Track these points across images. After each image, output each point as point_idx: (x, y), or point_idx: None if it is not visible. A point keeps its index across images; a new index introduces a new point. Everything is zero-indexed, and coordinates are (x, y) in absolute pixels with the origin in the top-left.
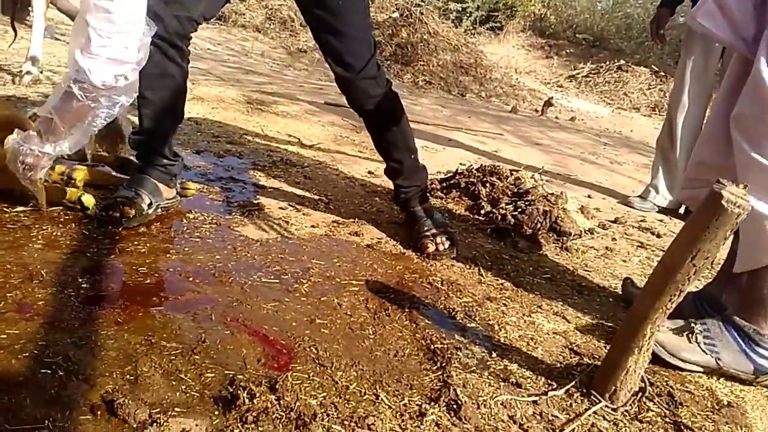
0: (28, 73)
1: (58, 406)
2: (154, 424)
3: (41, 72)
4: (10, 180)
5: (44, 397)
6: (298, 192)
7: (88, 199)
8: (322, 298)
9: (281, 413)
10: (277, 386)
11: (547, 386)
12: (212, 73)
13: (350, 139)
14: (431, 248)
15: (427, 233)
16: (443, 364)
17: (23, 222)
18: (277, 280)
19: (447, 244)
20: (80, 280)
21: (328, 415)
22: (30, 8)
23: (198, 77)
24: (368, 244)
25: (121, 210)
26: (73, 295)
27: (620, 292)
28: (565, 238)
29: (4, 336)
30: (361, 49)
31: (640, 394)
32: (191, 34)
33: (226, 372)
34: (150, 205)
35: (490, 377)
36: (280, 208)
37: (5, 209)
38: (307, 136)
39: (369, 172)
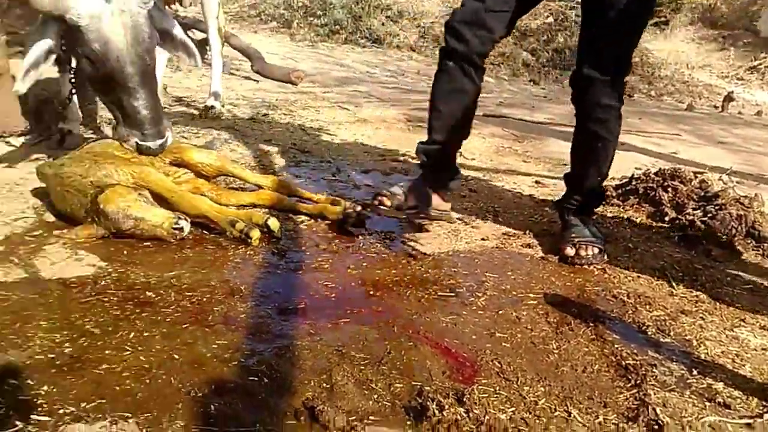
0: (212, 107)
1: (266, 411)
2: (353, 431)
3: (222, 106)
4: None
5: (253, 402)
6: (465, 205)
7: (274, 223)
8: (500, 312)
9: (471, 426)
10: (464, 399)
11: (761, 407)
12: (373, 95)
13: (513, 150)
14: (569, 252)
15: (572, 238)
16: (638, 382)
17: (221, 244)
18: (453, 294)
19: (591, 252)
20: (274, 294)
21: (519, 430)
22: (207, 47)
23: (360, 100)
24: (542, 256)
25: (379, 199)
26: (270, 308)
27: None
28: (766, 245)
29: (215, 346)
30: (622, 58)
31: None
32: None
33: (413, 383)
34: (415, 207)
35: (692, 396)
36: (448, 221)
37: (205, 234)
38: (468, 149)
39: (536, 182)
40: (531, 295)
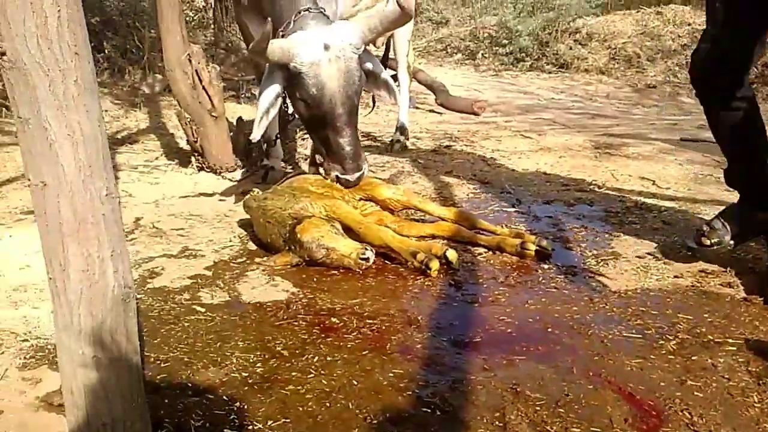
0: (398, 141)
1: None
2: None
3: (407, 139)
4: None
5: None
6: (657, 239)
7: (452, 254)
8: (693, 357)
9: None
10: None
11: None
12: (557, 122)
13: (714, 177)
14: None
15: None
16: None
17: (401, 274)
18: (640, 335)
19: None
20: (450, 326)
21: None
22: (397, 83)
23: (544, 127)
24: (744, 297)
25: (699, 238)
26: (445, 340)
27: None
28: None
29: (392, 375)
30: None
31: None
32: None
33: (591, 429)
34: (733, 239)
35: None
36: (637, 256)
37: (387, 263)
38: (662, 177)
39: None
40: (730, 340)
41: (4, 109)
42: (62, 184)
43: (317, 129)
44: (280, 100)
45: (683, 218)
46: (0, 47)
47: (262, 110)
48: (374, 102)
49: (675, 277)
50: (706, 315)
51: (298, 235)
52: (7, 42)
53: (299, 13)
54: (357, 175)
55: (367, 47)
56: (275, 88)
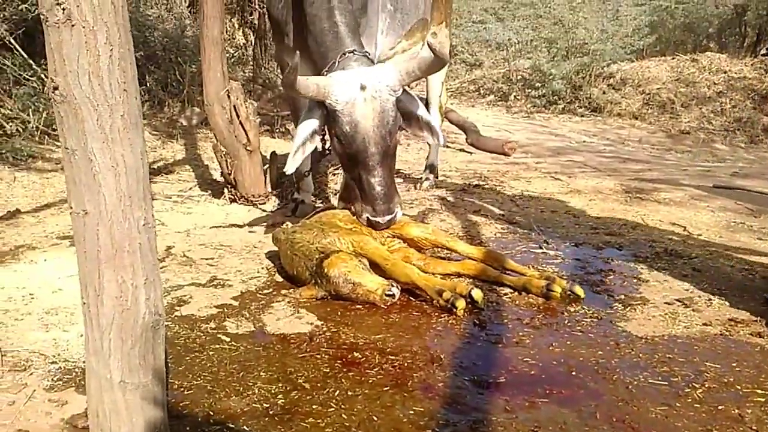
0: (427, 179)
1: None
2: None
3: (436, 177)
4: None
5: None
6: (686, 286)
7: (477, 293)
8: (720, 407)
9: None
10: None
11: None
12: (588, 165)
13: (746, 225)
14: None
15: None
16: None
17: (426, 311)
18: (666, 382)
19: None
20: (473, 365)
21: None
22: None
23: (574, 170)
24: None
25: None
26: (467, 379)
27: None
28: None
29: (412, 412)
30: None
31: None
32: None
33: None
34: None
35: None
36: (665, 303)
37: (411, 300)
38: (693, 223)
39: None
40: (758, 391)
41: (46, 137)
42: (103, 213)
43: (351, 168)
44: (317, 136)
45: (714, 266)
46: (53, 82)
47: (298, 144)
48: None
49: (704, 324)
50: (734, 364)
51: (326, 269)
52: (60, 77)
53: (344, 54)
54: (388, 218)
55: (408, 89)
56: (312, 124)
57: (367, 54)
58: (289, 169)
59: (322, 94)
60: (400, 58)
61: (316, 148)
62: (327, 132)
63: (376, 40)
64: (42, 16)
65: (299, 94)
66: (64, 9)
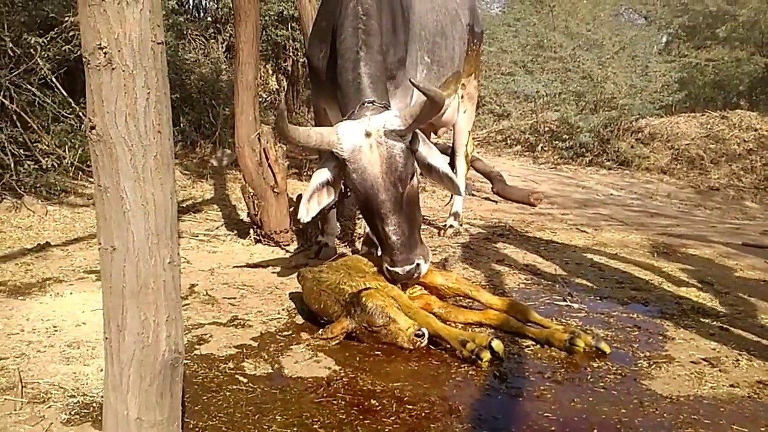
0: (450, 226)
1: None
2: None
3: (461, 225)
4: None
5: None
6: (713, 345)
7: (498, 345)
8: None
9: None
10: None
11: None
12: (615, 218)
13: None
14: None
15: None
16: None
17: (446, 360)
18: None
19: None
20: (492, 418)
21: None
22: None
23: (601, 223)
24: None
25: None
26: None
27: None
28: None
29: None
30: None
31: None
32: None
33: None
34: None
35: None
36: (691, 362)
37: (431, 348)
38: (721, 281)
39: None
40: None
41: (80, 172)
42: (130, 250)
43: (366, 216)
44: (329, 186)
45: (742, 325)
46: (90, 122)
47: (309, 193)
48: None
49: (731, 386)
50: (763, 429)
51: (363, 299)
52: (98, 117)
53: (363, 104)
54: (408, 268)
55: (427, 140)
56: (324, 174)
57: (387, 105)
58: (302, 216)
59: (327, 143)
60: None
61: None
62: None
63: (413, 92)
64: (84, 59)
65: (291, 142)
66: (105, 53)
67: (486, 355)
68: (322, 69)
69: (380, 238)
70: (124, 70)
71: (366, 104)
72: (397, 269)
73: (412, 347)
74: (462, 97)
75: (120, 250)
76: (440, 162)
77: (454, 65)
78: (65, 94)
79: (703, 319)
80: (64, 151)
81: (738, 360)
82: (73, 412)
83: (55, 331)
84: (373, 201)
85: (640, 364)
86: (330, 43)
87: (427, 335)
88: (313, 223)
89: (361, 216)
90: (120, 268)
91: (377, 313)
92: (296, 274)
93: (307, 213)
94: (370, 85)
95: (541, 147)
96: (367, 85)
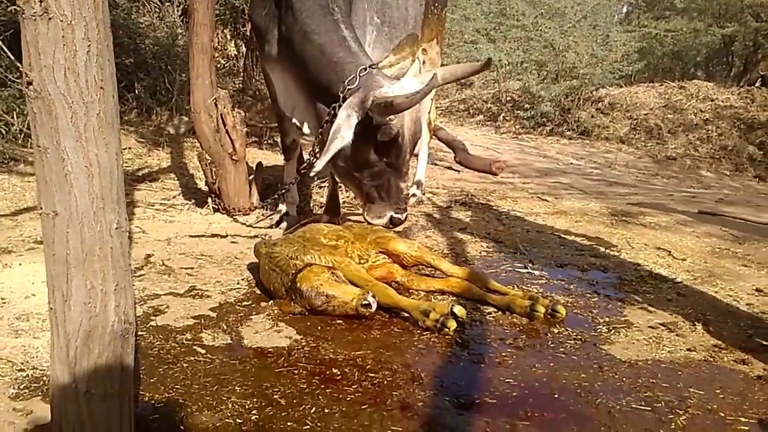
0: (413, 195)
1: None
2: None
3: (423, 194)
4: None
5: None
6: (670, 310)
7: (460, 310)
8: None
9: None
10: None
11: None
12: (575, 187)
13: (731, 252)
14: None
15: None
16: None
17: (408, 328)
18: (649, 408)
19: None
20: (454, 385)
21: None
22: None
23: (561, 191)
24: (759, 375)
25: None
26: (448, 399)
27: None
28: None
29: None
30: None
31: None
32: None
33: None
34: None
35: None
36: (650, 327)
37: (395, 312)
38: (678, 248)
39: (756, 290)
40: (742, 419)
41: (29, 140)
42: (73, 215)
43: (378, 175)
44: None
45: (698, 291)
46: (27, 77)
47: (328, 156)
48: None
49: (688, 350)
50: (718, 391)
51: (298, 284)
52: (34, 72)
53: (364, 70)
54: (406, 214)
55: None
56: (348, 136)
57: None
58: (317, 167)
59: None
60: (411, 72)
61: (302, 160)
62: (360, 141)
63: None
64: (18, 8)
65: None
66: (41, 1)
67: (452, 324)
68: (267, 28)
69: (390, 194)
70: (61, 20)
71: (369, 69)
72: (400, 216)
73: (365, 316)
74: (423, 62)
75: (62, 215)
76: None
77: (408, 27)
78: (12, 57)
79: (660, 285)
80: (12, 117)
81: (695, 324)
82: (22, 386)
83: (4, 303)
84: (402, 159)
85: (599, 330)
86: None
87: (374, 303)
88: (273, 193)
89: (323, 184)
90: (63, 234)
91: (313, 294)
92: (253, 247)
93: (321, 165)
94: (361, 48)
95: (503, 116)
96: (358, 49)
